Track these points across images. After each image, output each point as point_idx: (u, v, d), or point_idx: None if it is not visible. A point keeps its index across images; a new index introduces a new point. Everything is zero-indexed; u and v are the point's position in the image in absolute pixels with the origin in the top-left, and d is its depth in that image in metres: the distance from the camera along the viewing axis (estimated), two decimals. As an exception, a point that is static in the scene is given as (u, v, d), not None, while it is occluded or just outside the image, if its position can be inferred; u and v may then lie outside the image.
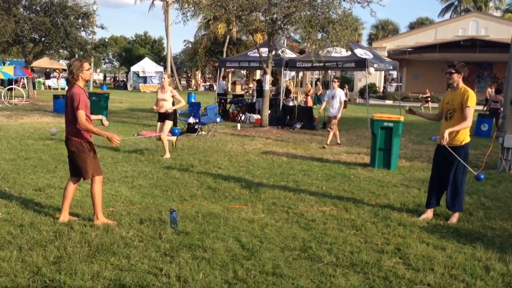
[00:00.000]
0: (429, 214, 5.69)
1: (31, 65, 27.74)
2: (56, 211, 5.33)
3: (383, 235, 4.97)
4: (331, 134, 11.66)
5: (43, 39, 25.39)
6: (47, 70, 41.69)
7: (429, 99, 25.81)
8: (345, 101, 11.87)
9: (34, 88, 27.63)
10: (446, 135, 5.25)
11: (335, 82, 12.09)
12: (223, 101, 19.58)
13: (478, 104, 32.48)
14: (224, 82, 21.31)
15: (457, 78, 5.43)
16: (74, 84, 4.86)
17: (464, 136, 5.46)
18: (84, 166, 4.92)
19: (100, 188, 5.03)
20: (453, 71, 5.43)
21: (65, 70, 49.07)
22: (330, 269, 4.01)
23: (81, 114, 4.75)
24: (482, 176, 5.49)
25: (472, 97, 5.31)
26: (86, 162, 4.91)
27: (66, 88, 4.98)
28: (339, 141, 12.02)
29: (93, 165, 4.97)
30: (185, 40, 69.55)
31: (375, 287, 3.72)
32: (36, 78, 33.26)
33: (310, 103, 21.40)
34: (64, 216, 5.03)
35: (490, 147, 9.25)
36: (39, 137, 11.23)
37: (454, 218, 5.56)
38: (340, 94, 11.69)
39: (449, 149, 5.36)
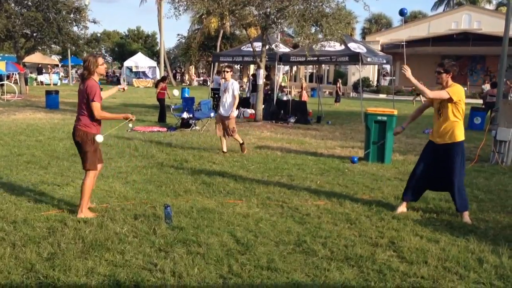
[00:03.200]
0: (404, 207, 5.63)
1: (23, 61, 27.55)
2: (50, 207, 5.31)
3: (377, 228, 4.99)
4: (237, 137, 9.31)
5: (35, 34, 25.20)
6: (39, 65, 41.37)
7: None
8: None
9: (26, 83, 27.44)
10: (408, 75, 5.12)
11: (227, 71, 9.23)
12: (217, 95, 19.53)
13: (471, 97, 32.18)
14: (219, 76, 21.21)
15: (446, 78, 5.27)
16: (88, 78, 5.02)
17: (461, 133, 5.36)
18: (84, 158, 5.08)
19: (91, 183, 5.11)
20: (442, 70, 5.26)
21: (57, 65, 48.80)
22: (325, 262, 4.02)
23: (96, 105, 4.95)
24: (355, 159, 5.49)
25: (453, 88, 5.21)
26: (86, 154, 5.06)
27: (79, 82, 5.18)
28: (225, 149, 9.30)
29: (93, 158, 5.10)
30: (178, 35, 69.33)
31: (369, 280, 3.74)
32: (28, 73, 33.01)
33: (305, 98, 21.36)
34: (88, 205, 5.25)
35: (483, 140, 9.29)
36: (31, 133, 11.17)
37: (467, 216, 5.38)
38: (234, 87, 9.10)
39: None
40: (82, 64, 5.22)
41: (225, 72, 9.24)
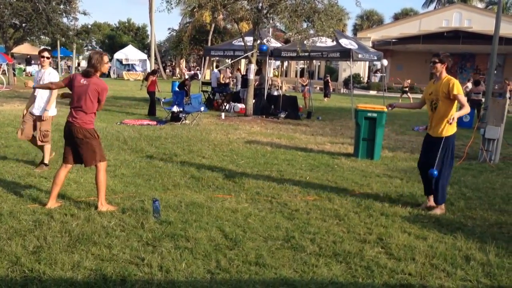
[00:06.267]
0: (431, 201, 5.67)
1: (12, 51, 27.20)
2: (36, 201, 5.25)
3: (365, 225, 5.00)
4: (47, 149, 6.99)
5: (24, 24, 24.89)
6: (28, 56, 40.91)
7: (406, 89, 26.09)
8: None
9: (14, 74, 27.12)
10: (455, 116, 5.19)
11: (45, 57, 6.82)
12: (212, 92, 19.05)
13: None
14: (217, 71, 20.96)
15: (441, 68, 5.41)
16: (94, 75, 4.99)
17: (451, 128, 5.43)
18: (92, 152, 5.05)
19: (105, 175, 5.15)
20: (437, 60, 5.40)
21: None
22: (313, 258, 4.02)
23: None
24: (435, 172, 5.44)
25: (457, 85, 5.30)
26: (94, 148, 5.07)
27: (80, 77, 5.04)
28: (46, 160, 6.97)
29: (101, 149, 5.18)
30: (169, 28, 68.74)
31: (357, 277, 3.74)
32: (16, 64, 32.61)
33: (306, 94, 21.05)
34: (52, 203, 5.06)
35: (471, 138, 9.35)
36: (19, 124, 11.01)
37: (439, 209, 5.55)
38: (51, 78, 6.69)
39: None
40: (87, 60, 5.10)
41: (42, 58, 6.85)
